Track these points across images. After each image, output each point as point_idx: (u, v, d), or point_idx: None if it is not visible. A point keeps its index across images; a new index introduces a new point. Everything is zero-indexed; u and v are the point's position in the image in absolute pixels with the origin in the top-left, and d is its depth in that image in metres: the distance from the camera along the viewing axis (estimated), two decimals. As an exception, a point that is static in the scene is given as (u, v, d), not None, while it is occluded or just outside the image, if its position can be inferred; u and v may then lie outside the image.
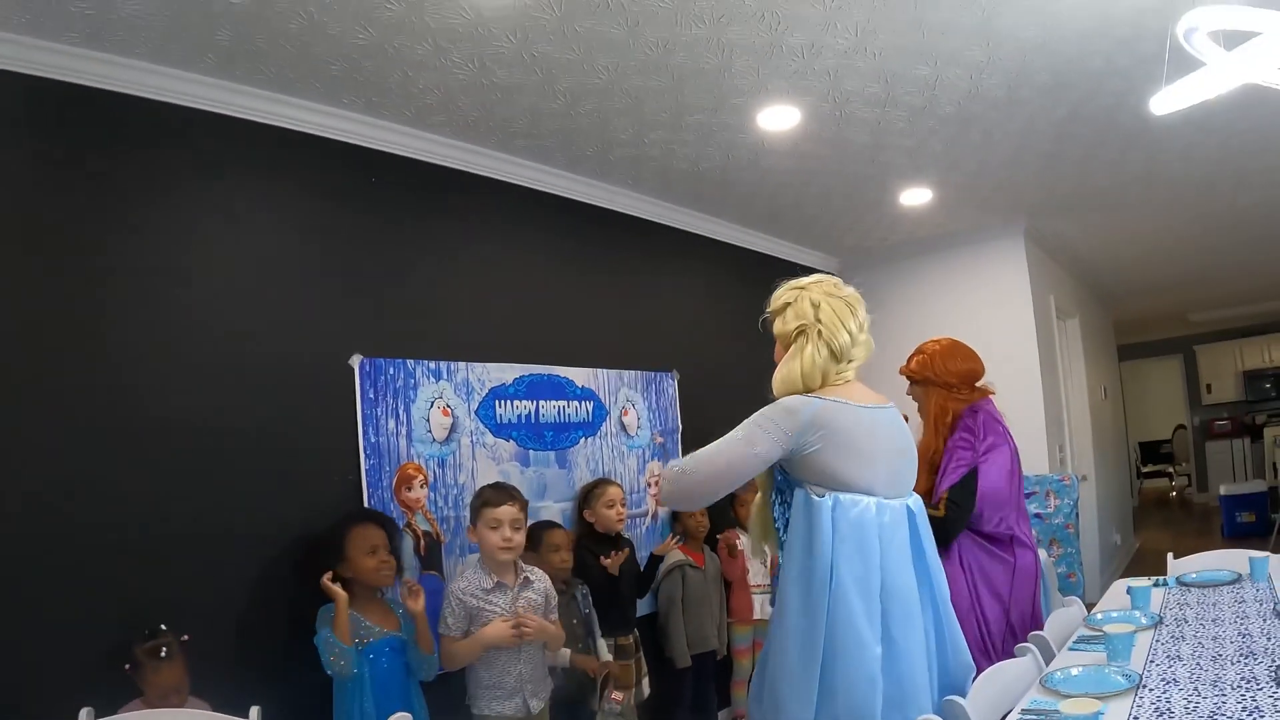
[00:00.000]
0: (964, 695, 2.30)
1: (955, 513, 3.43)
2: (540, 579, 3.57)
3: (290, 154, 3.56)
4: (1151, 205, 6.41)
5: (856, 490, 2.41)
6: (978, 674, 2.53)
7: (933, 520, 3.51)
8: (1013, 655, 2.74)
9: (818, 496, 2.42)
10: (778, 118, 4.11)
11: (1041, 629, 2.99)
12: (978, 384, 3.73)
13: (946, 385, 3.67)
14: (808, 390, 2.51)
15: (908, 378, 3.78)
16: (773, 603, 2.61)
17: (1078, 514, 6.50)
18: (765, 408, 2.48)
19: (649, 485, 4.87)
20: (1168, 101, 3.17)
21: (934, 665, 2.48)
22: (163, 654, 2.79)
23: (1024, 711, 2.31)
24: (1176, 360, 15.51)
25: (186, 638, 2.86)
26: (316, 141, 3.63)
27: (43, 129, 2.92)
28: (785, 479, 2.57)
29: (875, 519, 2.40)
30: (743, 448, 2.44)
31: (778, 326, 2.66)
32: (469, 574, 3.44)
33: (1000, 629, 3.50)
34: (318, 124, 3.61)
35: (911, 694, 2.35)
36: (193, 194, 3.27)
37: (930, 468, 3.55)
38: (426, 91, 3.55)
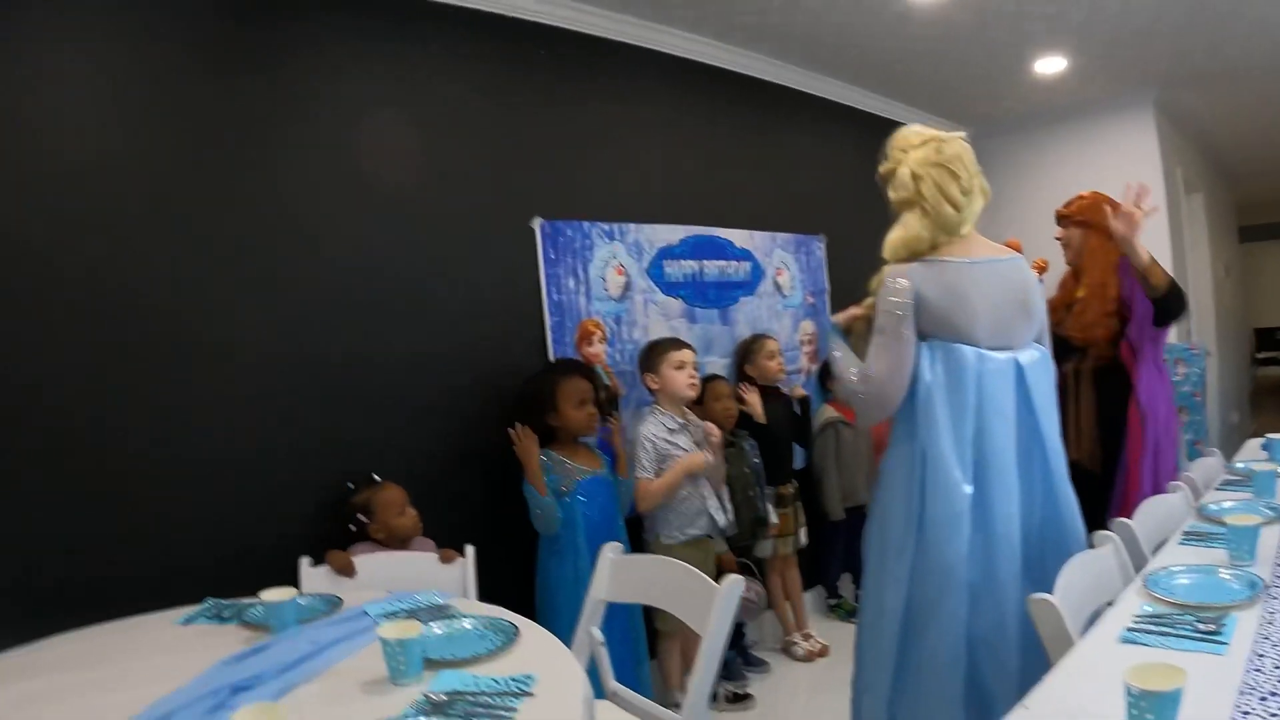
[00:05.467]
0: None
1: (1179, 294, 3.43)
2: (696, 422, 3.84)
3: (468, 29, 3.69)
4: None
5: (957, 340, 2.51)
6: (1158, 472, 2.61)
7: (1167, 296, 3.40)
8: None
9: (920, 341, 2.54)
10: (928, -18, 4.16)
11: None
12: None
13: (1108, 231, 3.62)
14: (914, 255, 2.59)
15: (1067, 219, 3.84)
16: None
17: (1205, 383, 6.55)
18: (880, 293, 2.58)
19: (802, 344, 5.06)
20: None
21: (1037, 528, 2.56)
22: (376, 480, 3.08)
23: (1186, 533, 2.48)
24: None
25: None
26: (490, 18, 3.75)
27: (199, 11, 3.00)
28: None
29: (974, 366, 2.48)
30: (893, 341, 2.53)
31: (889, 190, 2.72)
32: (652, 420, 3.72)
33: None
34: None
35: (1003, 547, 2.47)
36: (375, 68, 3.41)
37: (1105, 299, 3.65)
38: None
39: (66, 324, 2.59)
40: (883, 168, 2.73)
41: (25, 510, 2.48)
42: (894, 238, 2.64)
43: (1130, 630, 1.77)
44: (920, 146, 2.62)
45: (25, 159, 2.56)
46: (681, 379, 3.70)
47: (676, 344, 3.77)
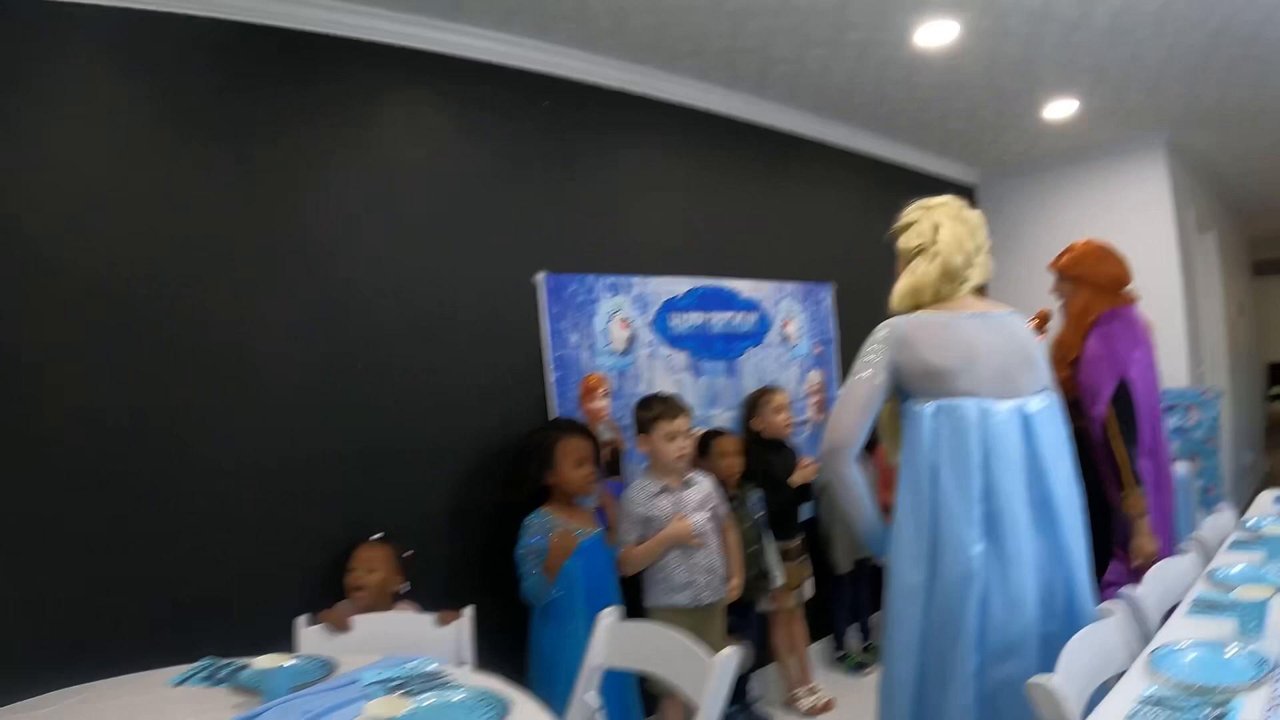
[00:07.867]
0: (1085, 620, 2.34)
1: (1125, 427, 3.48)
2: (702, 480, 3.80)
3: (466, 81, 3.69)
4: (1293, 120, 6.27)
5: (956, 395, 2.49)
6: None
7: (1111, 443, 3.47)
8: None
9: (919, 405, 2.54)
10: (936, 33, 4.13)
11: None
12: (1123, 290, 3.74)
13: (1095, 285, 3.69)
14: (917, 305, 2.64)
15: (1057, 272, 3.81)
16: None
17: (1218, 429, 6.47)
18: (866, 341, 2.65)
19: (809, 395, 5.02)
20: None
21: (1060, 575, 2.51)
22: (370, 539, 3.09)
23: (1195, 602, 2.45)
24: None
25: (410, 553, 3.15)
26: (491, 69, 3.76)
27: (222, 67, 3.08)
28: (903, 392, 2.65)
29: (977, 423, 2.46)
30: (863, 384, 2.59)
31: (901, 243, 2.77)
32: (636, 485, 3.69)
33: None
34: (490, 50, 3.73)
35: (1018, 600, 2.42)
36: (383, 123, 3.45)
37: (1064, 362, 3.61)
38: (600, 15, 3.67)
39: (78, 355, 2.69)
40: (902, 221, 2.80)
41: (39, 549, 2.57)
42: (901, 285, 2.70)
43: (1132, 717, 1.73)
44: (944, 205, 2.72)
45: (65, 186, 2.71)
46: (672, 450, 3.64)
47: (670, 411, 3.68)
